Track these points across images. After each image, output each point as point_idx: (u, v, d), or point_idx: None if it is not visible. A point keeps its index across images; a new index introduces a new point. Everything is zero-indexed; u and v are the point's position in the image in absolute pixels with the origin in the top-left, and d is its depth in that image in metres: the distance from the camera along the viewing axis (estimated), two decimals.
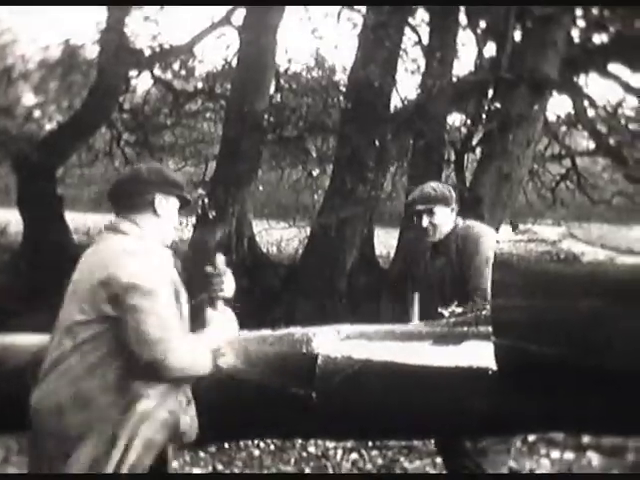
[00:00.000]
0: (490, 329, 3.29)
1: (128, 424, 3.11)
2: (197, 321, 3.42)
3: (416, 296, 4.70)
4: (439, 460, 5.52)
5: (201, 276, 3.53)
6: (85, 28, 15.61)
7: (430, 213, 4.79)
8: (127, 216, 3.33)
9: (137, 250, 3.21)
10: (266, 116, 13.79)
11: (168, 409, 3.23)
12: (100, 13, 15.18)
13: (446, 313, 4.11)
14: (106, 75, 14.58)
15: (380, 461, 6.05)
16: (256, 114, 13.19)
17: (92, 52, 15.96)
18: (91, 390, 3.11)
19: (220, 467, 5.92)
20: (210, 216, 12.01)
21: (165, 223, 3.38)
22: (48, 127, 16.92)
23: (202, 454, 6.02)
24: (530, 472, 5.98)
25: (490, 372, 3.33)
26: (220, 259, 3.54)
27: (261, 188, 15.43)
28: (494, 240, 4.11)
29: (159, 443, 3.22)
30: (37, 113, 17.53)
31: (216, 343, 3.34)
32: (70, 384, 3.13)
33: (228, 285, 3.52)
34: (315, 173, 14.88)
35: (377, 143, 11.90)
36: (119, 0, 14.35)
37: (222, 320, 3.46)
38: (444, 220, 4.82)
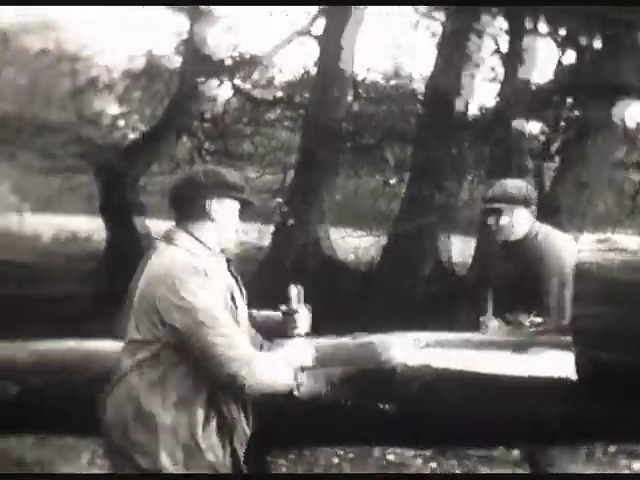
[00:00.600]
0: (570, 338, 3.29)
1: (193, 438, 3.09)
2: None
3: (490, 305, 4.63)
4: (520, 470, 5.48)
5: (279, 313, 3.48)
6: (167, 38, 15.75)
7: (507, 212, 4.66)
8: (183, 225, 3.24)
9: (192, 267, 3.08)
10: (344, 124, 13.86)
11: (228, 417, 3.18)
12: (182, 24, 15.42)
13: (526, 322, 4.10)
14: (188, 85, 14.79)
15: (459, 470, 6.01)
16: (334, 123, 13.27)
17: (174, 62, 16.28)
18: (152, 407, 3.08)
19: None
20: (288, 224, 12.12)
21: (221, 228, 3.24)
22: (131, 136, 17.23)
23: (282, 460, 6.03)
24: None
25: (569, 382, 3.33)
26: (293, 293, 3.45)
27: (338, 196, 15.49)
28: (573, 248, 4.09)
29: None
30: (121, 122, 17.88)
31: (293, 363, 3.21)
32: (132, 401, 3.11)
33: (303, 323, 3.44)
34: (392, 181, 14.88)
35: (454, 151, 11.88)
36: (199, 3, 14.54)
37: (298, 344, 3.35)
38: (522, 221, 4.68)
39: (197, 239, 3.21)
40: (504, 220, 4.65)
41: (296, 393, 3.26)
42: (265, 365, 3.09)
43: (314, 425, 3.76)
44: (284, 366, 3.17)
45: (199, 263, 3.11)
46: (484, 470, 5.99)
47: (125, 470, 3.12)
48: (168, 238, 3.23)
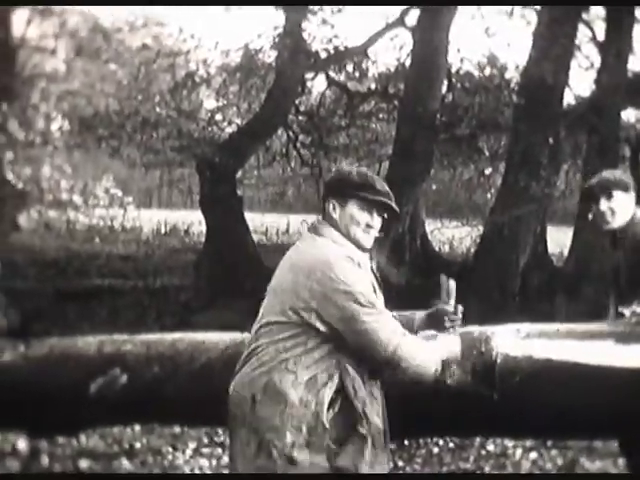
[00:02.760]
0: None
1: (318, 419, 3.19)
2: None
3: (611, 295, 4.53)
4: (621, 461, 5.44)
5: (436, 310, 3.54)
6: (264, 32, 15.86)
7: (609, 197, 4.62)
8: (328, 218, 3.37)
9: (341, 256, 3.24)
10: (439, 115, 13.85)
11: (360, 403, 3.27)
12: (278, 17, 15.56)
13: (627, 313, 4.08)
14: (283, 78, 14.92)
15: (560, 461, 5.97)
16: (429, 113, 13.26)
17: (270, 56, 16.46)
18: (282, 384, 3.19)
19: (400, 463, 5.95)
20: (384, 216, 12.15)
21: (344, 226, 3.33)
22: (228, 130, 17.47)
23: None
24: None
25: None
26: (452, 287, 3.51)
27: (434, 187, 15.49)
28: None
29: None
30: (218, 116, 18.11)
31: (443, 354, 3.34)
32: (263, 376, 3.23)
33: (459, 315, 3.54)
34: (488, 171, 14.84)
35: (550, 140, 11.78)
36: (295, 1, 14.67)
37: (447, 340, 3.47)
38: (623, 206, 4.64)
39: (342, 233, 3.34)
40: (604, 205, 4.63)
41: (449, 381, 3.36)
42: (418, 348, 3.23)
43: (415, 415, 3.81)
44: (434, 352, 3.29)
45: (351, 253, 3.27)
46: (584, 461, 5.96)
47: (250, 444, 3.23)
48: (316, 230, 3.38)
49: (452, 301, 3.53)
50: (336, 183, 3.43)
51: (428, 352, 3.28)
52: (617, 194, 4.62)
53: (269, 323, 3.29)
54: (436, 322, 3.53)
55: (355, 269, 3.22)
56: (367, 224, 3.36)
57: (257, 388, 3.24)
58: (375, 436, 3.30)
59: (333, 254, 3.24)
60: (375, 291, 3.32)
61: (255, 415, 3.24)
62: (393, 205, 3.43)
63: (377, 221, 3.39)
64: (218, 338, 4.40)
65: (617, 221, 4.64)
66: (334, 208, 3.36)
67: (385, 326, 3.18)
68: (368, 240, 3.38)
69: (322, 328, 3.19)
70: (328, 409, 3.21)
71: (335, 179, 3.47)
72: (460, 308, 3.55)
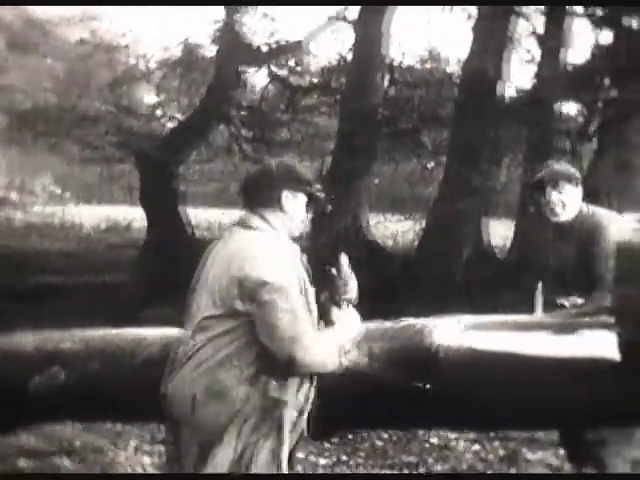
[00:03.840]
0: (612, 319, 3.29)
1: (267, 416, 3.19)
2: (324, 319, 3.44)
3: (539, 286, 4.57)
4: (562, 451, 5.48)
5: (325, 276, 3.52)
6: (203, 27, 15.85)
7: (559, 189, 4.66)
8: (256, 211, 3.38)
9: (268, 247, 3.26)
10: (380, 110, 13.86)
11: (296, 406, 3.29)
12: (218, 12, 15.46)
13: (567, 304, 4.09)
14: (224, 73, 14.83)
15: (502, 452, 5.99)
16: (370, 108, 13.27)
17: (210, 51, 16.37)
18: (225, 382, 3.17)
19: (344, 457, 5.94)
20: (327, 210, 12.12)
21: (291, 219, 3.39)
22: (169, 125, 17.34)
23: (326, 444, 6.05)
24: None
25: (612, 362, 3.33)
26: (344, 260, 3.50)
27: (377, 181, 15.50)
28: (621, 228, 4.07)
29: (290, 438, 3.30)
30: (159, 112, 17.99)
31: (343, 341, 3.35)
32: (204, 375, 3.20)
33: (352, 288, 3.51)
34: (430, 165, 14.89)
35: (492, 134, 11.85)
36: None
37: (348, 319, 3.46)
38: (572, 199, 4.68)
39: (271, 225, 3.36)
40: (555, 196, 4.65)
41: (342, 359, 3.32)
42: (321, 348, 3.19)
43: (357, 408, 3.79)
44: (336, 347, 3.28)
45: (277, 245, 3.29)
46: (526, 452, 6.00)
47: (191, 444, 3.20)
48: (243, 223, 3.37)
49: (343, 276, 3.50)
50: (289, 176, 3.43)
51: (331, 350, 3.25)
52: (567, 187, 4.66)
53: (205, 318, 3.25)
54: (335, 291, 3.49)
55: (279, 262, 3.22)
56: (304, 217, 3.45)
57: (198, 388, 3.20)
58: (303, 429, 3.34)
59: (258, 246, 3.25)
60: (304, 285, 3.30)
61: (197, 415, 3.19)
62: (320, 195, 3.49)
63: (304, 211, 3.45)
64: (159, 334, 4.33)
65: (566, 214, 4.67)
66: (287, 200, 3.38)
67: (293, 324, 3.14)
68: (298, 228, 3.45)
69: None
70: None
71: (287, 171, 3.45)
72: (355, 281, 3.51)
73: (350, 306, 3.51)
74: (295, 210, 3.41)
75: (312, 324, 3.27)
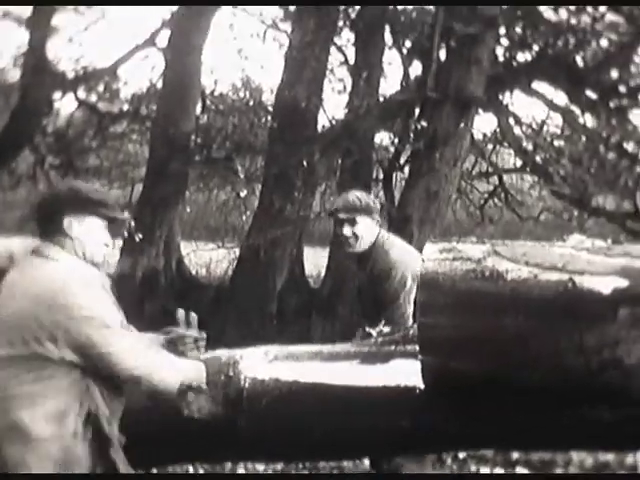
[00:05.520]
0: (416, 347, 3.29)
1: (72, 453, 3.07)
2: None
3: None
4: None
5: (166, 333, 3.53)
6: (5, 50, 15.29)
7: (353, 222, 4.68)
8: (51, 239, 3.20)
9: (79, 280, 3.11)
10: (193, 137, 13.74)
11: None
12: (21, 35, 14.99)
13: (374, 333, 4.10)
14: (28, 98, 14.36)
15: None
16: (182, 135, 13.11)
17: (13, 75, 15.77)
18: (27, 421, 3.02)
19: None
20: (137, 239, 11.85)
21: (82, 244, 3.21)
22: None
23: None
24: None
25: (417, 390, 3.34)
26: (181, 316, 3.53)
27: (189, 209, 15.34)
28: (417, 258, 4.11)
29: None
30: None
31: (184, 374, 3.32)
32: (5, 414, 3.03)
33: (201, 343, 3.55)
34: (243, 194, 14.85)
35: (305, 163, 11.91)
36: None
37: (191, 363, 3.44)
38: (367, 231, 4.71)
39: (75, 252, 3.21)
40: (347, 230, 4.68)
41: (186, 412, 3.38)
42: (160, 365, 3.23)
43: (167, 442, 3.71)
44: (176, 368, 3.30)
45: (88, 274, 3.16)
46: None
47: None
48: (41, 253, 3.19)
49: (194, 329, 3.53)
50: (73, 199, 3.24)
51: (169, 368, 3.26)
52: (361, 219, 4.68)
53: (8, 358, 3.05)
54: (175, 348, 3.46)
55: (94, 291, 3.11)
56: (105, 241, 3.30)
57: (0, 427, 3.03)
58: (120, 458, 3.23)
59: (70, 278, 3.10)
60: (116, 309, 3.20)
61: (0, 455, 3.03)
62: (127, 220, 3.62)
63: (110, 236, 3.33)
64: None
65: (361, 245, 4.71)
66: (70, 225, 3.19)
67: (128, 345, 3.13)
68: (103, 256, 3.31)
69: (69, 356, 3.04)
70: (75, 437, 3.08)
71: (69, 195, 3.27)
72: (203, 334, 3.55)
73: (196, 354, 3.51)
74: (84, 235, 3.22)
75: (146, 344, 3.27)
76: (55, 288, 3.06)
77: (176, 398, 3.32)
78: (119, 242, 12.22)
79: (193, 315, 3.55)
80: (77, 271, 3.16)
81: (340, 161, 12.61)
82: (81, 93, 16.12)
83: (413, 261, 4.57)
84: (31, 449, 3.02)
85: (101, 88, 16.33)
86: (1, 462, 3.03)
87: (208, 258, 15.08)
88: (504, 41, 13.26)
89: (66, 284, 3.07)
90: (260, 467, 6.24)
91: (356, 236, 4.69)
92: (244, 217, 14.59)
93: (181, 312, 3.55)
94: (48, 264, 3.15)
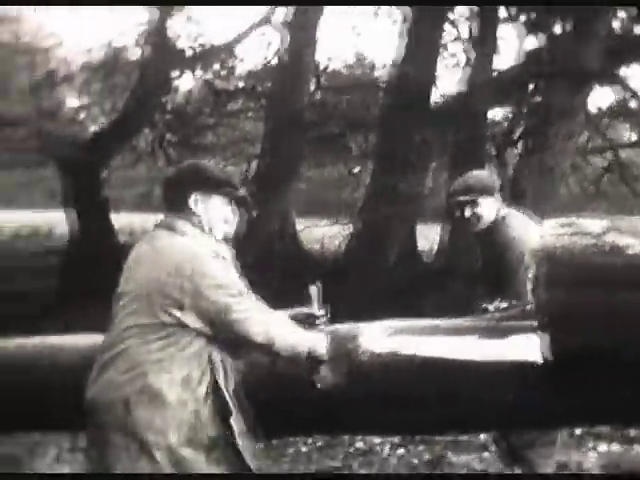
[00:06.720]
0: (535, 323, 3.30)
1: (197, 416, 3.20)
2: None
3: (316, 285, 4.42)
4: (486, 454, 5.51)
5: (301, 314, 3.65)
6: (127, 30, 15.58)
7: (473, 204, 4.68)
8: (178, 214, 3.36)
9: (206, 251, 3.26)
10: (307, 114, 13.84)
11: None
12: (142, 15, 15.28)
13: (491, 308, 4.10)
14: (148, 76, 14.67)
15: (427, 456, 6.01)
16: (297, 112, 13.24)
17: (134, 54, 16.16)
18: (159, 385, 3.16)
19: (269, 462, 5.89)
20: (253, 215, 12.04)
21: (207, 221, 3.36)
22: (92, 129, 17.08)
23: None
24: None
25: (536, 366, 3.34)
26: (314, 293, 3.67)
27: (303, 186, 15.47)
28: (535, 232, 4.09)
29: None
30: (81, 115, 17.73)
31: (310, 343, 3.43)
32: (137, 378, 3.17)
33: (324, 319, 3.69)
34: (356, 170, 14.91)
35: (418, 139, 11.89)
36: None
37: (314, 334, 3.55)
38: (488, 210, 4.70)
39: (201, 227, 3.37)
40: (468, 212, 4.68)
41: (319, 385, 3.49)
42: (289, 329, 3.39)
43: (281, 414, 3.71)
44: (304, 333, 3.45)
45: (214, 247, 3.31)
46: (451, 456, 6.02)
47: (130, 448, 3.16)
48: (169, 226, 3.35)
49: (315, 304, 3.67)
50: (198, 178, 3.40)
51: (299, 332, 3.41)
52: (481, 200, 4.68)
53: (137, 326, 3.21)
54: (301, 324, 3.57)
55: (222, 262, 3.25)
56: (227, 218, 3.42)
57: (131, 391, 3.17)
58: (242, 429, 3.33)
59: (200, 250, 3.25)
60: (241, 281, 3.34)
61: (132, 418, 3.16)
62: (248, 199, 3.55)
63: (236, 214, 3.47)
64: (80, 341, 4.22)
65: (483, 224, 4.71)
66: (196, 202, 3.35)
67: (256, 312, 3.28)
68: (228, 233, 3.45)
69: (195, 325, 3.19)
70: (204, 405, 3.22)
71: (196, 174, 3.44)
72: (322, 311, 3.70)
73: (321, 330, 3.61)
74: (209, 212, 3.38)
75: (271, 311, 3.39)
76: (185, 259, 3.20)
77: (302, 367, 3.44)
78: (237, 219, 12.44)
79: (312, 288, 3.68)
80: (205, 243, 3.31)
81: (453, 137, 12.54)
82: (199, 71, 16.39)
83: (532, 236, 4.54)
84: (163, 412, 3.15)
85: (218, 66, 16.56)
86: (132, 424, 3.15)
87: (322, 234, 15.22)
88: (621, 14, 12.94)
89: (196, 255, 3.22)
90: (377, 440, 6.27)
91: (478, 216, 4.68)
92: (357, 194, 14.65)
93: (314, 288, 3.68)
94: (177, 237, 3.31)
